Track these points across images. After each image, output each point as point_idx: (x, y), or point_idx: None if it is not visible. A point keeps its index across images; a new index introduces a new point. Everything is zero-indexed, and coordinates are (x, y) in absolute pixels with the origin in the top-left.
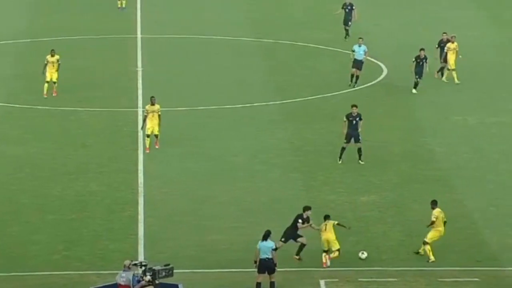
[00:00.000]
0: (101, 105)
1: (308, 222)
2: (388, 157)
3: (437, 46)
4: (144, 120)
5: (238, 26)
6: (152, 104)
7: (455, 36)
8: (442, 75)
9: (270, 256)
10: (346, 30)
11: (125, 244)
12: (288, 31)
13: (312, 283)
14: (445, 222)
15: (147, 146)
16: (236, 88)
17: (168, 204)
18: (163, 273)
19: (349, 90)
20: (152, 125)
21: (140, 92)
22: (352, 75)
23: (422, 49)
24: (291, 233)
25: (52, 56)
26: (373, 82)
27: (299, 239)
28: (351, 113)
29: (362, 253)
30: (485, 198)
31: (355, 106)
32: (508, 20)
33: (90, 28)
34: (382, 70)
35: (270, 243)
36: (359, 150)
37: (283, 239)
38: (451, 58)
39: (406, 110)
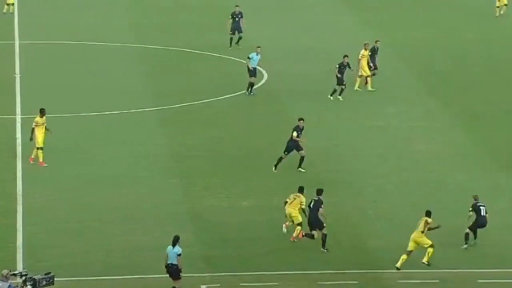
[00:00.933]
0: None
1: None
2: (268, 161)
3: (369, 53)
4: (33, 132)
5: (119, 31)
6: (42, 116)
7: (368, 44)
8: (366, 82)
9: (175, 262)
10: (231, 39)
11: (3, 253)
12: (169, 37)
13: None
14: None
15: (41, 160)
16: (117, 94)
17: (50, 211)
18: (44, 282)
19: (228, 95)
20: (42, 137)
21: (18, 99)
22: (252, 83)
23: (345, 56)
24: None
25: None
26: (254, 87)
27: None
28: (298, 126)
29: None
30: (363, 201)
31: (302, 119)
32: (380, 24)
33: None
34: (262, 76)
35: (176, 249)
36: (302, 158)
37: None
38: (365, 65)
39: (287, 115)
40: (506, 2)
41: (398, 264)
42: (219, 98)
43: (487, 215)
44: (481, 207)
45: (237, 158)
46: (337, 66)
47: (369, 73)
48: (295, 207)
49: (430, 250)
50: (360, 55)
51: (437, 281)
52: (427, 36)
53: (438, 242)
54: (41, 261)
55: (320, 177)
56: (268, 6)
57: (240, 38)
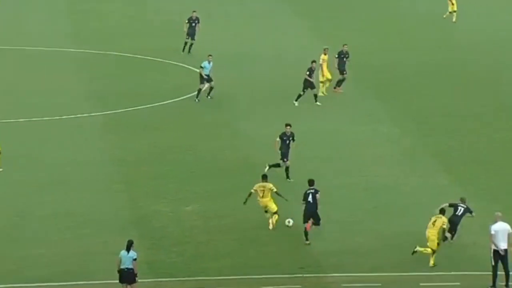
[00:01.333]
0: None
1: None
2: (211, 166)
3: (336, 56)
4: None
5: (61, 37)
6: None
7: (327, 48)
8: (339, 86)
9: (130, 266)
10: (186, 43)
11: None
12: (110, 42)
13: None
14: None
15: None
16: (59, 100)
17: None
18: None
19: (171, 100)
20: None
21: None
22: (200, 90)
23: (313, 61)
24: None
25: None
26: (196, 93)
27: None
28: (284, 132)
29: (289, 221)
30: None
31: (289, 125)
32: (326, 30)
33: None
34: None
35: (131, 253)
36: (287, 169)
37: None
38: (325, 69)
39: (229, 119)
40: (455, 9)
41: (431, 263)
42: (162, 103)
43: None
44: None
45: (180, 163)
46: (307, 71)
47: (330, 77)
48: (267, 197)
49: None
50: (321, 60)
51: (380, 284)
52: (373, 41)
53: (383, 245)
54: None
55: (250, 183)
56: (215, 13)
57: (191, 45)
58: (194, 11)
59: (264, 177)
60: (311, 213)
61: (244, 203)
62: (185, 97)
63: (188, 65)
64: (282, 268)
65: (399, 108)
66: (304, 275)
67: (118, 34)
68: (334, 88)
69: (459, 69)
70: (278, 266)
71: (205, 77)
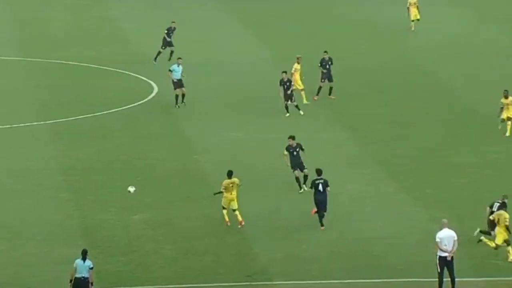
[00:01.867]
0: None
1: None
2: (159, 174)
3: (319, 65)
4: None
5: (3, 45)
6: None
7: (300, 57)
8: (330, 94)
9: (86, 275)
10: (159, 52)
11: None
12: (54, 50)
13: None
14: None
15: None
16: (2, 108)
17: None
18: None
19: (119, 108)
20: None
21: None
22: (177, 96)
23: (284, 72)
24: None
25: None
26: (144, 100)
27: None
28: (290, 145)
29: (131, 186)
30: (255, 213)
31: (292, 137)
32: (272, 38)
33: None
34: (153, 88)
35: (87, 262)
36: (305, 177)
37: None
38: (297, 78)
39: (177, 127)
40: (418, 17)
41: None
42: (109, 111)
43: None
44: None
45: (128, 171)
46: (279, 83)
47: (302, 86)
48: (234, 192)
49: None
50: (293, 69)
51: None
52: (319, 48)
53: (329, 252)
54: None
55: (212, 190)
56: (157, 19)
57: (172, 52)
58: (173, 22)
59: (230, 174)
60: (321, 202)
61: (215, 194)
62: (132, 105)
63: (134, 73)
64: (231, 276)
65: (344, 115)
66: (252, 283)
67: (62, 42)
68: (316, 96)
69: (405, 77)
70: (226, 274)
71: (175, 81)
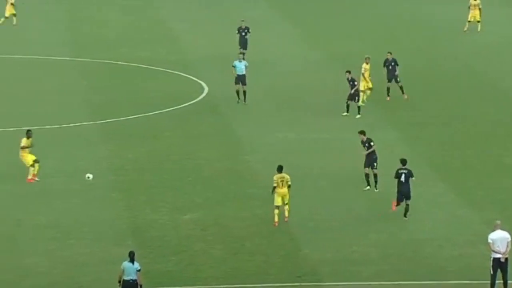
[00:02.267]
0: None
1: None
2: (209, 174)
3: (383, 66)
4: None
5: (56, 45)
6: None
7: (369, 57)
8: (403, 93)
9: (134, 278)
10: (243, 54)
11: None
12: (106, 51)
13: None
14: None
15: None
16: (55, 108)
17: None
18: None
19: (170, 109)
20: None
21: None
22: (238, 91)
23: (347, 71)
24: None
25: None
26: (195, 100)
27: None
28: (361, 140)
29: (88, 177)
30: (304, 214)
31: (362, 132)
32: (322, 38)
33: None
34: (203, 89)
35: (136, 265)
36: (375, 176)
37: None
38: (367, 78)
39: (227, 127)
40: (478, 19)
41: None
42: (160, 111)
43: None
44: None
45: (178, 171)
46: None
47: (371, 86)
48: (286, 187)
49: None
50: (362, 69)
51: None
52: (362, 48)
53: (380, 254)
54: None
55: (261, 191)
56: (208, 19)
57: (243, 54)
58: (243, 20)
59: (280, 169)
60: (405, 192)
61: (272, 192)
62: (182, 105)
63: (185, 73)
64: (280, 277)
65: (394, 115)
66: (302, 284)
67: (114, 42)
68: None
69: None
70: (276, 275)
71: (237, 76)
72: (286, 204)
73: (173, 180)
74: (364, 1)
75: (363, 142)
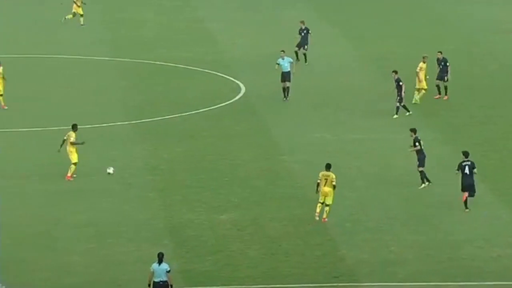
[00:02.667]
0: None
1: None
2: (246, 174)
3: (438, 66)
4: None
5: (95, 45)
6: (75, 131)
7: (426, 56)
8: (446, 93)
9: (164, 279)
10: (297, 53)
11: None
12: (144, 51)
13: None
14: None
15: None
16: (92, 107)
17: (22, 226)
18: None
19: (207, 108)
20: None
21: None
22: (284, 89)
23: (394, 72)
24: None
25: None
26: (232, 101)
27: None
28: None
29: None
30: (341, 214)
31: (413, 130)
32: (360, 38)
33: None
34: (240, 89)
35: (164, 266)
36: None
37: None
38: (422, 77)
39: (264, 127)
40: None
41: None
42: (197, 111)
43: None
44: None
45: (215, 171)
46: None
47: (426, 86)
48: (330, 186)
49: None
50: (418, 68)
51: None
52: (399, 48)
53: (417, 254)
54: (15, 276)
55: (298, 191)
56: (245, 19)
57: (304, 54)
58: (302, 21)
59: (328, 167)
60: (469, 185)
61: (316, 192)
62: (219, 105)
63: (222, 74)
64: (317, 278)
65: (434, 115)
66: (339, 284)
67: (152, 43)
68: (445, 95)
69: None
70: (312, 276)
71: (282, 73)
72: (328, 205)
73: (209, 180)
74: (402, 1)
75: (415, 140)
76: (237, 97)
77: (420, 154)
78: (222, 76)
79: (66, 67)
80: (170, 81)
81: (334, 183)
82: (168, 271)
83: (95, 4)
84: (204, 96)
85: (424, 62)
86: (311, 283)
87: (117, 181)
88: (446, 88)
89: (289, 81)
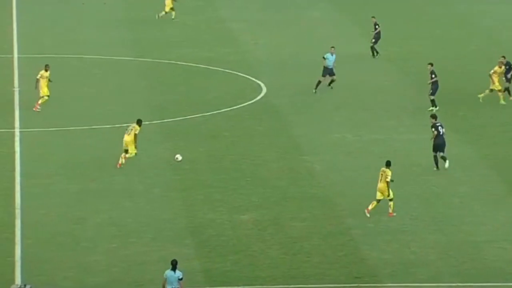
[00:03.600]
0: None
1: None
2: (267, 174)
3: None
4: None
5: (117, 45)
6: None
7: (504, 58)
8: (510, 94)
9: (177, 286)
10: (372, 48)
11: (2, 267)
12: (166, 51)
13: None
14: None
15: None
16: (115, 107)
17: (45, 225)
18: None
19: (229, 108)
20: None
21: (17, 112)
22: (319, 83)
23: (430, 64)
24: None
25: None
26: (253, 101)
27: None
28: (431, 125)
29: (177, 157)
30: (363, 215)
31: (432, 117)
32: (382, 38)
33: None
34: (261, 89)
35: (177, 273)
36: (443, 157)
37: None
38: (496, 80)
39: (286, 127)
40: None
41: None
42: (219, 111)
43: None
44: None
45: (236, 171)
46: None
47: (500, 87)
48: (383, 182)
49: None
50: (492, 71)
51: None
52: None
53: (439, 255)
54: (38, 275)
55: (320, 191)
56: (267, 19)
57: (372, 48)
58: (373, 17)
59: (388, 163)
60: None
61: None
62: (241, 105)
63: (243, 74)
64: (339, 278)
65: (455, 116)
66: (360, 284)
67: (174, 43)
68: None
69: None
70: (334, 276)
71: (327, 68)
72: (390, 200)
73: (231, 180)
74: (422, 1)
75: (432, 126)
76: (259, 97)
77: (437, 140)
78: (244, 76)
79: (88, 67)
80: (191, 81)
81: (387, 179)
82: (181, 279)
83: (116, 4)
84: (225, 96)
85: (500, 67)
86: (333, 283)
87: (140, 180)
88: (508, 89)
89: (331, 75)
